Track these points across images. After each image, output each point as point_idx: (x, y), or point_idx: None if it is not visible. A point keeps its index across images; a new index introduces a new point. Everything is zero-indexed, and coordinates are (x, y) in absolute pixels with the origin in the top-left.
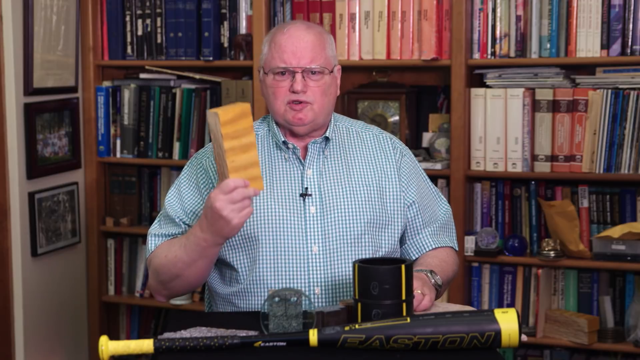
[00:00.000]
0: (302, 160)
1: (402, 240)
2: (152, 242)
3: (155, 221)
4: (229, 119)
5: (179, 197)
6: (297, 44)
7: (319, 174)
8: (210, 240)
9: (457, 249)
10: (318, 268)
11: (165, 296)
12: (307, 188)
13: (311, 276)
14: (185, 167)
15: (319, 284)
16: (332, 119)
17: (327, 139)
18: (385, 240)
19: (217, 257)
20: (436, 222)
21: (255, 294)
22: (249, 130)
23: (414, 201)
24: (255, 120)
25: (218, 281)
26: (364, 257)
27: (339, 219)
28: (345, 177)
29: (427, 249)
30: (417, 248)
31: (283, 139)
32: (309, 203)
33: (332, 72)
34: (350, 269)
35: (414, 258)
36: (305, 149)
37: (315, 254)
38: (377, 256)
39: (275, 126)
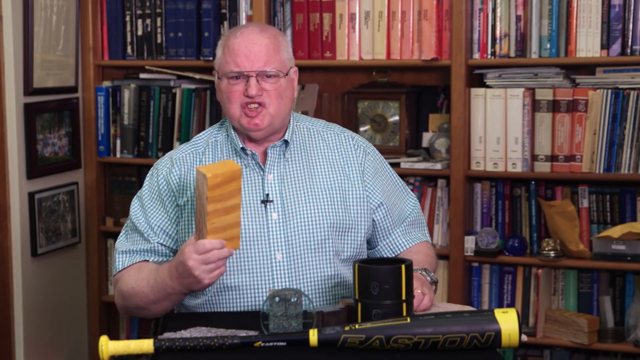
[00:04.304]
0: (262, 166)
1: (372, 242)
2: (119, 261)
3: (122, 233)
4: (217, 183)
5: (144, 213)
6: (250, 47)
7: (280, 179)
8: (177, 290)
9: (430, 241)
10: (283, 276)
11: (128, 315)
12: (268, 194)
13: (276, 284)
14: (146, 179)
15: None
16: (292, 120)
17: (286, 142)
18: (348, 244)
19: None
20: (406, 220)
21: (220, 304)
22: (235, 193)
23: (381, 202)
24: (214, 125)
25: None
26: (327, 262)
27: (301, 224)
28: (307, 181)
29: (402, 249)
30: (391, 249)
31: (242, 146)
32: (270, 209)
33: (287, 74)
34: (314, 275)
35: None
36: (265, 153)
37: (279, 262)
38: (341, 259)
39: (233, 132)
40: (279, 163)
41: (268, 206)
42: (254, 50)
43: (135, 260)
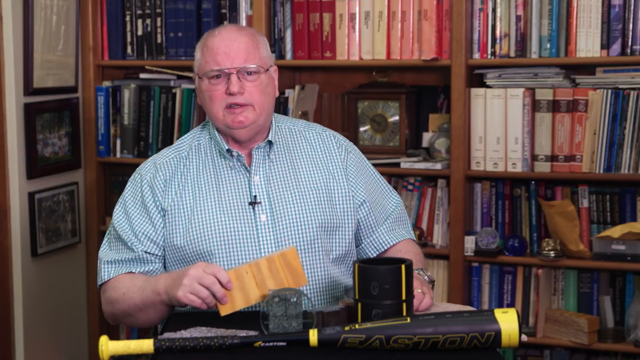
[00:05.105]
0: (248, 167)
1: (356, 240)
2: (105, 271)
3: (105, 242)
4: (287, 262)
5: (128, 220)
6: (229, 45)
7: (266, 180)
8: (162, 294)
9: (415, 238)
10: None
11: (115, 323)
12: (255, 196)
13: None
14: (129, 185)
15: None
16: (274, 121)
17: (270, 142)
18: (337, 243)
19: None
20: (390, 217)
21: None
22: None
23: (364, 200)
24: (195, 128)
25: None
26: (317, 262)
27: (290, 225)
28: (293, 182)
29: (386, 246)
30: (375, 247)
31: (227, 147)
32: (259, 211)
33: (268, 71)
34: (305, 275)
35: (373, 257)
36: (250, 155)
37: None
38: (331, 258)
39: (217, 134)
40: (264, 164)
41: (256, 208)
42: (233, 47)
43: (121, 272)
